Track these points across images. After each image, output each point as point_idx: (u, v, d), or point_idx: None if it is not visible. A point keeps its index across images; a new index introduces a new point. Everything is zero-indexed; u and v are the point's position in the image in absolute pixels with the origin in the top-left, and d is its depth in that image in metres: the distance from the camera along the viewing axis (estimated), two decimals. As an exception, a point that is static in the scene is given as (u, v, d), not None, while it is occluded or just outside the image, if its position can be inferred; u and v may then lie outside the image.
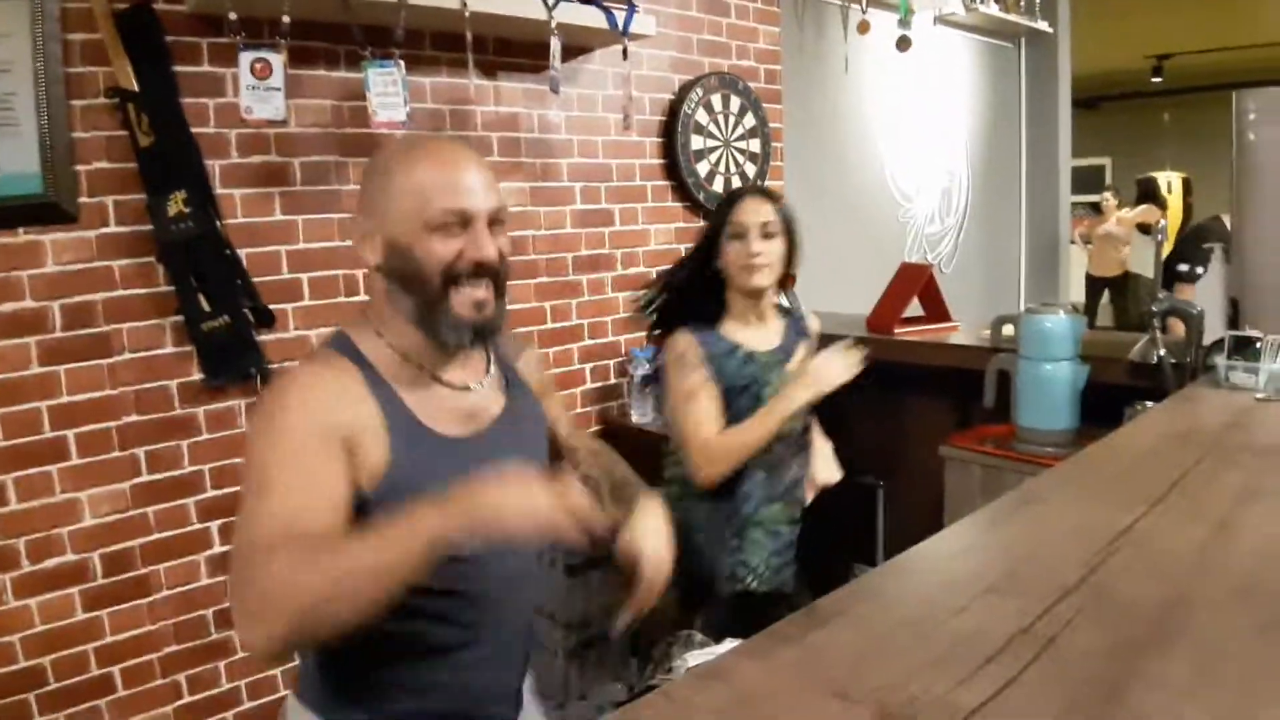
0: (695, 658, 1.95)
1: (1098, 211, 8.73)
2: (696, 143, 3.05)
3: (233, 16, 2.01)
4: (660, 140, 3.03)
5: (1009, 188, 5.19)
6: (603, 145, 2.89)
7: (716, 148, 3.11)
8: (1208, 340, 2.13)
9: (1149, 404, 2.06)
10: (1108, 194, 8.84)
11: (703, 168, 3.08)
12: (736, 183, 3.15)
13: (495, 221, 1.22)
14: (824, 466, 2.14)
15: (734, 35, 3.30)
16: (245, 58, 2.00)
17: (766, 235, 1.97)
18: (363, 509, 1.13)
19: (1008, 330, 2.39)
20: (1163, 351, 2.19)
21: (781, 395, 1.96)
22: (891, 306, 2.72)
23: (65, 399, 2.09)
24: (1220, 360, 2.01)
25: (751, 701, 0.95)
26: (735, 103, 3.14)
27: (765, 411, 1.96)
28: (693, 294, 2.07)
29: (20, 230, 2.02)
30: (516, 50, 2.66)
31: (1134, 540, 1.23)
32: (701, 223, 3.13)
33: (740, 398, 2.02)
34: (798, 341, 2.11)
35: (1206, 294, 2.40)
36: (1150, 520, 1.30)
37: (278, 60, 2.04)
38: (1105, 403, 2.24)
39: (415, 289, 1.20)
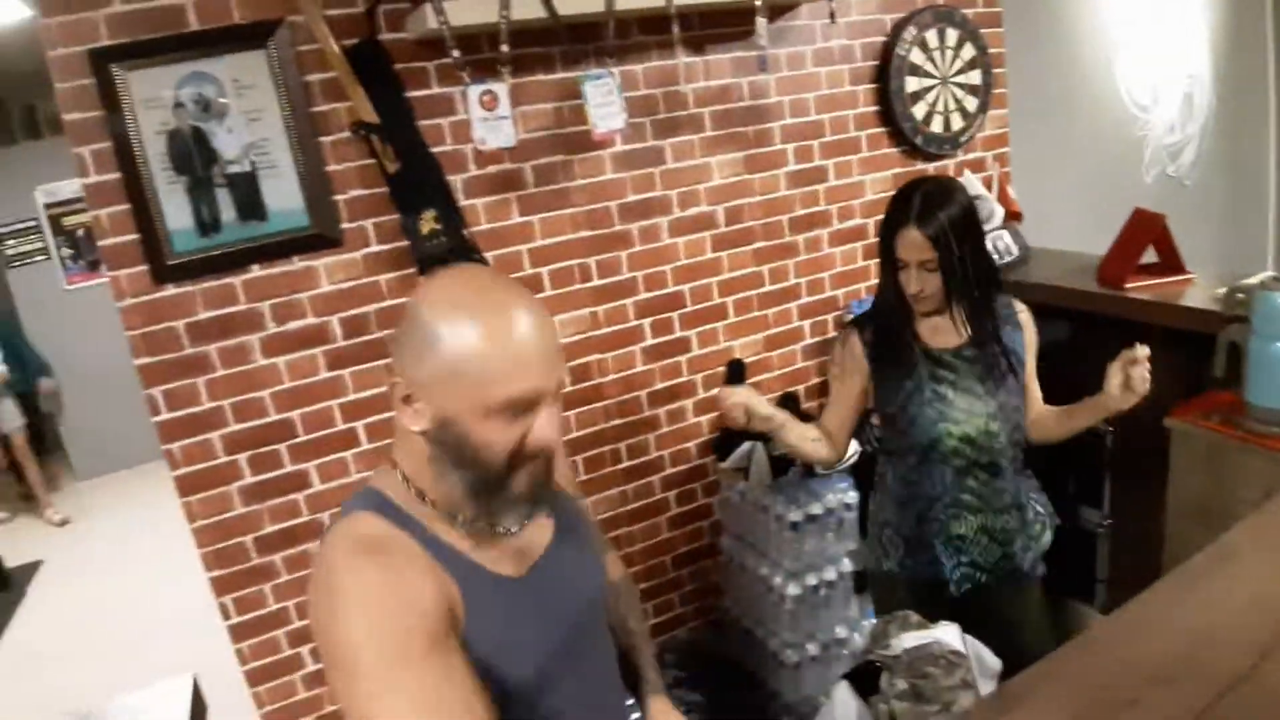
0: (911, 639, 2.02)
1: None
2: (911, 84, 2.82)
3: (456, 54, 2.03)
4: (873, 86, 2.83)
5: (1256, 84, 4.44)
6: (814, 101, 2.74)
7: (933, 86, 2.86)
8: None
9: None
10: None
11: (919, 110, 2.85)
12: (956, 121, 2.91)
13: (557, 391, 1.05)
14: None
15: (948, -39, 3.01)
16: (473, 92, 2.02)
17: (925, 270, 1.81)
18: None
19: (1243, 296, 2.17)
20: None
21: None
22: (1123, 258, 2.50)
23: (352, 397, 2.32)
24: None
25: None
26: (952, 36, 2.85)
27: None
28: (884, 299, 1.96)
29: (295, 259, 2.21)
30: (721, 20, 2.54)
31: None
32: (919, 166, 2.96)
33: (912, 395, 1.94)
34: (998, 333, 1.92)
35: None
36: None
37: (503, 90, 2.05)
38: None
39: (470, 470, 1.03)
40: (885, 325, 1.99)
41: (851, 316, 2.75)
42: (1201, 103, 4.15)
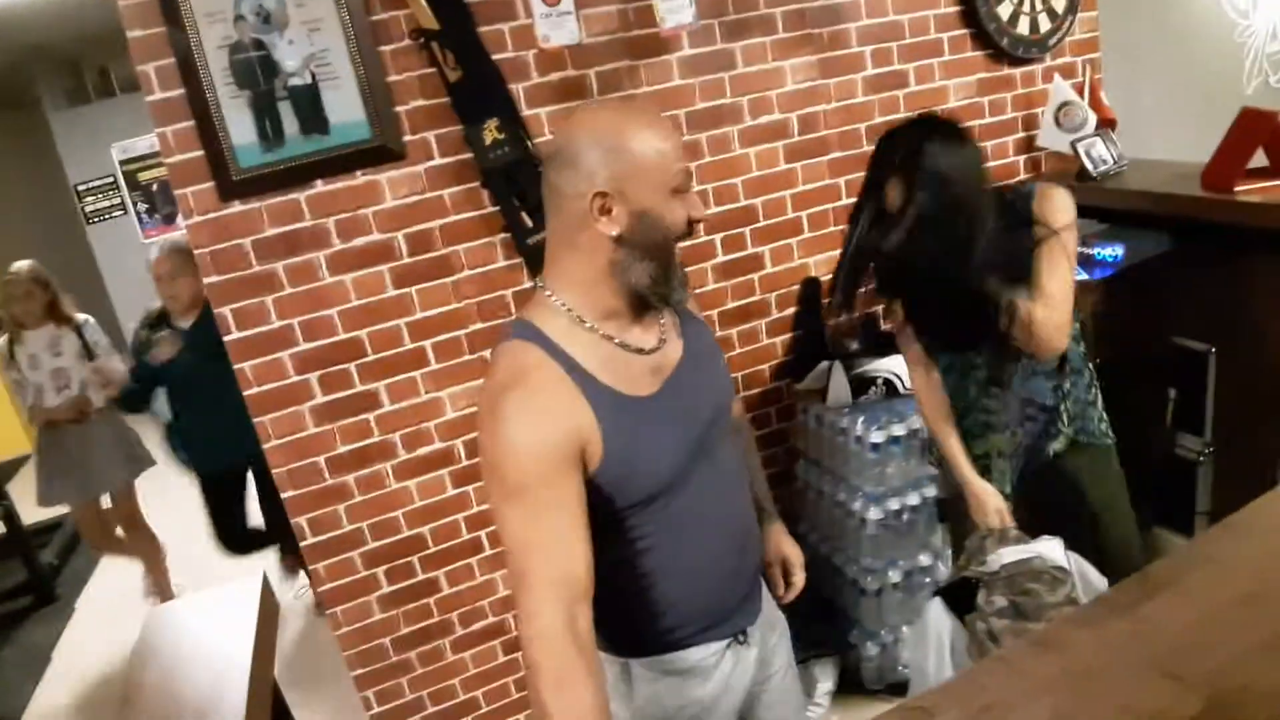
0: (1010, 554, 1.94)
1: None
2: (997, -19, 2.69)
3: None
4: (956, -15, 2.66)
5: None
6: (892, 1, 2.60)
7: (1020, -16, 2.73)
8: None
9: None
10: None
11: (1004, 10, 2.68)
12: (1044, 23, 2.73)
13: None
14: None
15: None
16: None
17: None
18: (590, 486, 1.20)
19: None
20: None
21: None
22: (1230, 161, 2.32)
23: (419, 315, 2.31)
24: None
25: (1084, 676, 0.92)
26: (1040, -72, 2.72)
27: None
28: None
29: (358, 173, 2.19)
30: (795, -87, 2.42)
31: None
32: (1006, 70, 2.81)
33: None
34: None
35: None
36: None
37: None
38: None
39: (659, 254, 1.24)
40: None
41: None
42: (1312, 3, 3.85)
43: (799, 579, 1.61)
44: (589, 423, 1.20)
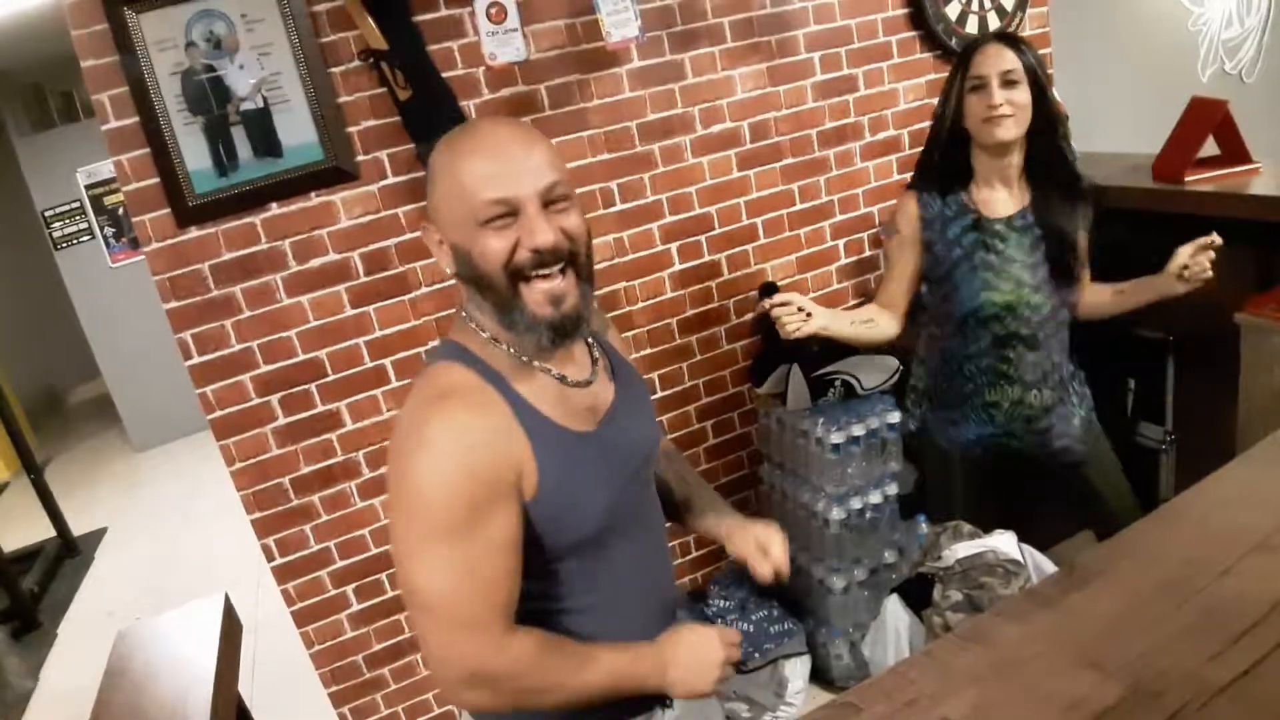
0: (964, 548, 1.97)
1: None
2: (943, -17, 2.74)
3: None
4: (902, -12, 2.70)
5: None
6: (840, 6, 2.64)
7: (967, -16, 2.78)
8: None
9: None
10: None
11: (953, 10, 2.72)
12: (993, 21, 2.79)
13: (552, 200, 1.10)
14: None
15: None
16: (480, 4, 2.02)
17: (1008, 83, 1.80)
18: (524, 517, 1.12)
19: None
20: None
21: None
22: (1181, 150, 2.37)
23: (378, 333, 2.32)
24: None
25: (1009, 668, 0.95)
26: (985, -72, 2.77)
27: None
28: (940, 155, 1.96)
29: (312, 194, 2.20)
30: (740, -78, 2.44)
31: None
32: (955, 71, 2.89)
33: (958, 266, 1.95)
34: (1067, 206, 1.94)
35: None
36: None
37: (510, 1, 2.05)
38: None
39: (487, 292, 1.12)
40: (941, 173, 1.98)
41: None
42: (1263, -9, 3.93)
43: (779, 554, 1.34)
44: (524, 450, 1.11)
